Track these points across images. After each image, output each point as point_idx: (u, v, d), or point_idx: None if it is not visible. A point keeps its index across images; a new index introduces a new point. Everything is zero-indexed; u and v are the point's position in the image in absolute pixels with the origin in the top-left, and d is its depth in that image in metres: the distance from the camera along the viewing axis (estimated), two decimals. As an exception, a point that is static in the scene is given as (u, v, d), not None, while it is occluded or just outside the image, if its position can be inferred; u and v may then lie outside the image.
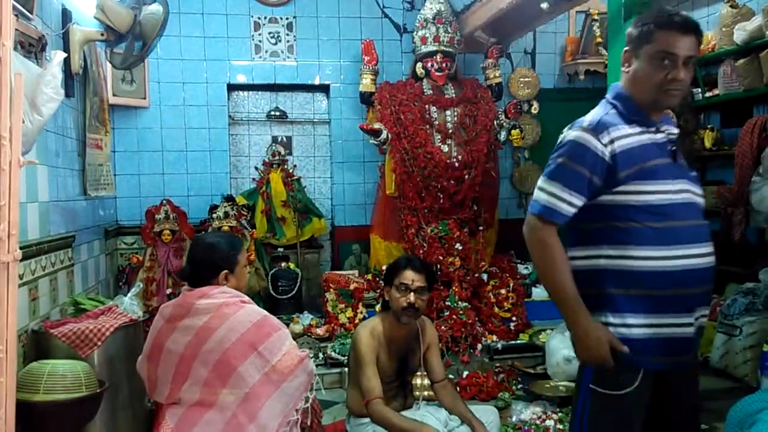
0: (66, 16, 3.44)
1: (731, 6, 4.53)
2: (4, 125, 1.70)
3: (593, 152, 1.82)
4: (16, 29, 2.65)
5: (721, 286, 4.42)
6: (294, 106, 5.81)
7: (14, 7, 2.63)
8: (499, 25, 5.11)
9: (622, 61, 1.93)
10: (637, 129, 1.87)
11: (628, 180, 1.82)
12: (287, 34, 5.58)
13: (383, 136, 4.94)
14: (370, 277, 5.04)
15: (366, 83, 5.26)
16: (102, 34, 3.55)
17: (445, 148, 4.98)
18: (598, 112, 1.90)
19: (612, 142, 1.82)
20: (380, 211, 5.27)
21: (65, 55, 2.72)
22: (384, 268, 3.91)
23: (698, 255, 1.83)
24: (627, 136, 1.84)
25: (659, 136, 1.88)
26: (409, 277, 2.72)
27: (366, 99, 5.28)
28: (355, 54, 5.54)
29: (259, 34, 5.53)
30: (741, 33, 4.33)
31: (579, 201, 1.84)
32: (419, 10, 5.35)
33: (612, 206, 1.84)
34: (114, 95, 4.82)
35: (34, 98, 2.23)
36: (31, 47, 2.88)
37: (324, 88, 5.76)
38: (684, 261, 1.81)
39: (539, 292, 5.04)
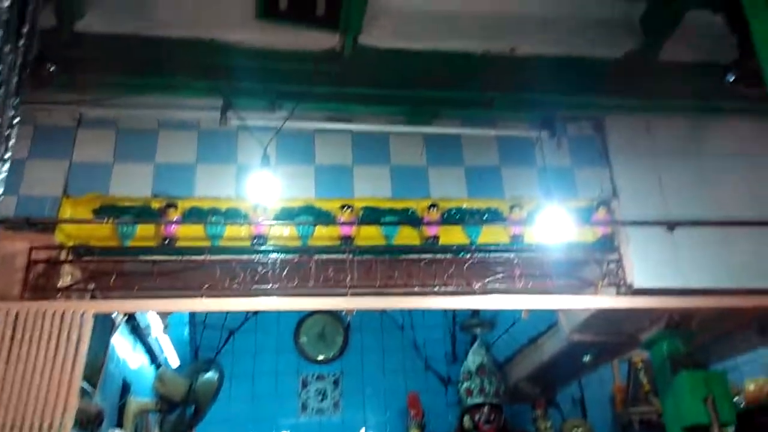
0: (125, 389, 3.61)
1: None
2: None
3: None
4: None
5: None
6: (338, 464, 5.61)
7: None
8: (543, 376, 5.13)
9: None
10: None
11: None
12: (333, 390, 5.68)
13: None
14: None
15: (413, 439, 5.14)
16: (156, 404, 3.67)
17: None
18: None
19: None
20: None
21: (120, 433, 2.79)
22: None
23: None
24: None
25: None
26: None
27: (415, 455, 5.10)
28: (400, 407, 5.52)
29: (306, 392, 5.64)
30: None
31: None
32: (462, 362, 5.47)
33: None
34: (158, 460, 4.76)
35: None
36: (88, 423, 2.97)
37: (370, 444, 5.62)
38: None
39: None
